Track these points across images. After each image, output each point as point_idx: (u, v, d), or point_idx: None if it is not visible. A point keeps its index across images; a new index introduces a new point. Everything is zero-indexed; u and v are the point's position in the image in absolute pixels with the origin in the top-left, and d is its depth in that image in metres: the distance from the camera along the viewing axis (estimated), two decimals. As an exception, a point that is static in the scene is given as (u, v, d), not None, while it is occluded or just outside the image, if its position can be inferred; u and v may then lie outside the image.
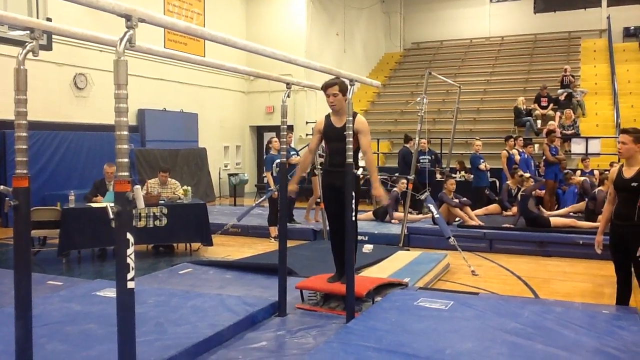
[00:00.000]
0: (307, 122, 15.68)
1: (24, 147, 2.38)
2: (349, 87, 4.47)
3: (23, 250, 2.49)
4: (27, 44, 2.38)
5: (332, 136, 4.73)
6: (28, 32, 2.43)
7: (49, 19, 7.28)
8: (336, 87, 4.59)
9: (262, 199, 9.01)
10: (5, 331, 3.19)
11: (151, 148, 13.02)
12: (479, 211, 9.67)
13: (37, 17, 7.46)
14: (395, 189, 9.65)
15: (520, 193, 8.73)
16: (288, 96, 4.68)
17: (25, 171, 2.40)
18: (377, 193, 4.74)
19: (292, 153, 9.25)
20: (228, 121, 16.47)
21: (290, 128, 13.84)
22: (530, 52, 19.88)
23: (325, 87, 4.64)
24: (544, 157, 11.17)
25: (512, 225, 8.43)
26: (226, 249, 8.18)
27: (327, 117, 4.83)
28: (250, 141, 17.56)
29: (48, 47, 7.67)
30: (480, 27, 21.63)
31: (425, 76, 8.51)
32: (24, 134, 2.37)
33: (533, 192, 8.81)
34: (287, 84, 4.63)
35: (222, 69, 3.72)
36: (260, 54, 3.56)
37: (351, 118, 4.29)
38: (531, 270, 6.85)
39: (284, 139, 4.78)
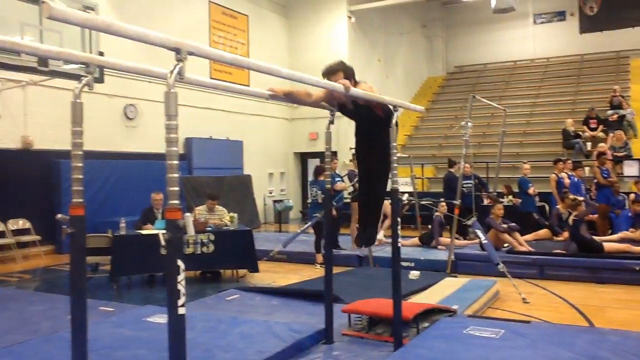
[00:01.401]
0: (350, 148, 15.70)
1: (80, 176, 2.47)
2: (353, 70, 4.11)
3: (79, 276, 2.57)
4: (82, 78, 2.48)
5: (353, 117, 4.41)
6: (82, 66, 2.53)
7: (101, 53, 7.59)
8: (340, 74, 3.99)
9: (307, 225, 9.04)
10: (61, 356, 3.27)
11: (198, 175, 13.27)
12: (528, 236, 9.44)
13: (90, 52, 7.79)
14: (437, 213, 9.55)
15: (572, 217, 8.48)
16: (332, 123, 4.71)
17: (81, 200, 2.48)
18: (342, 81, 3.84)
19: (336, 179, 9.26)
20: (272, 148, 16.67)
21: (334, 154, 13.89)
22: (577, 73, 19.51)
23: (327, 74, 4.02)
24: (595, 180, 10.86)
25: (563, 251, 8.19)
26: (272, 275, 8.21)
27: None
28: (294, 168, 17.71)
29: (100, 80, 7.98)
30: (525, 49, 21.39)
31: (469, 100, 8.45)
32: (80, 164, 2.47)
33: (585, 217, 8.56)
34: (331, 111, 4.67)
35: (266, 98, 3.78)
36: (305, 82, 3.61)
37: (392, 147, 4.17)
38: (584, 298, 6.62)
39: (329, 166, 4.81)
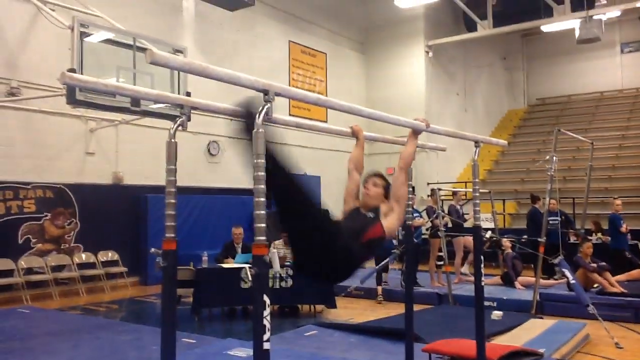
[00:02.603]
0: (428, 184, 15.53)
1: (173, 212, 2.58)
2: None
3: (170, 309, 2.66)
4: (177, 118, 2.61)
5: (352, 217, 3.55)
6: (169, 105, 2.66)
7: (188, 93, 7.96)
8: (381, 180, 3.61)
9: (386, 261, 8.95)
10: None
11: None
12: (620, 277, 8.89)
13: (179, 92, 8.19)
14: (503, 248, 9.28)
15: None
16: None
17: (173, 235, 2.59)
18: (420, 118, 3.77)
19: (415, 215, 9.17)
20: (349, 183, 16.71)
21: (412, 189, 13.76)
22: (670, 104, 18.53)
23: (368, 176, 3.71)
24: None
25: (660, 293, 7.67)
26: (349, 311, 8.16)
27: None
28: (371, 202, 17.63)
29: (188, 119, 8.34)
30: (612, 79, 20.53)
31: (554, 133, 8.19)
32: (173, 201, 2.58)
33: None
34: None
35: (345, 135, 3.83)
36: (385, 121, 3.64)
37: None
38: (686, 344, 6.15)
39: (409, 202, 4.78)
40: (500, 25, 15.75)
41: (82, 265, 9.90)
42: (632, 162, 15.51)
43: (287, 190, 2.94)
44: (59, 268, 9.64)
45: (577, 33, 14.57)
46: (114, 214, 10.48)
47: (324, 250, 2.93)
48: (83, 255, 10.01)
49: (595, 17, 14.22)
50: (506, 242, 9.34)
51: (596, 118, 19.19)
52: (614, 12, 15.73)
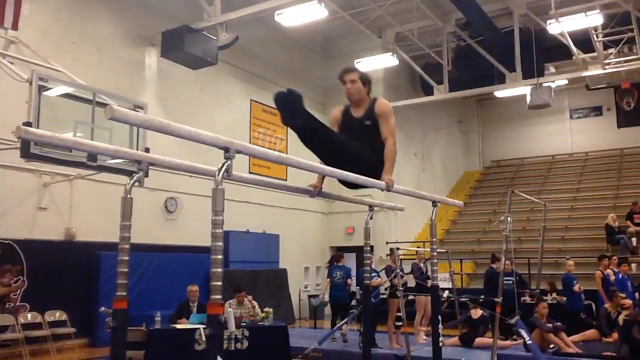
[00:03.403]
0: (387, 243, 15.59)
1: (125, 270, 2.51)
2: (371, 81, 4.06)
3: (118, 372, 2.55)
4: (134, 174, 2.58)
5: (351, 130, 4.00)
6: (128, 161, 2.63)
7: (147, 149, 7.90)
8: (356, 74, 4.00)
9: (344, 321, 8.83)
10: None
11: (234, 269, 13.26)
12: (575, 337, 8.99)
13: (137, 148, 8.12)
14: (471, 313, 9.29)
15: (623, 318, 8.09)
16: (371, 218, 4.72)
17: (124, 293, 2.51)
18: (387, 178, 3.90)
19: (373, 275, 9.15)
20: (308, 242, 16.66)
21: (371, 249, 13.78)
22: (617, 167, 19.32)
23: (343, 73, 4.01)
24: (643, 278, 10.44)
25: (614, 354, 7.75)
26: (307, 373, 7.95)
27: (346, 106, 4.13)
28: (330, 262, 17.55)
29: (146, 175, 8.25)
30: (562, 143, 21.41)
31: (508, 194, 8.39)
32: (126, 258, 2.51)
33: (637, 318, 8.15)
34: (370, 206, 4.69)
35: (311, 197, 3.84)
36: (344, 179, 3.67)
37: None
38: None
39: (367, 261, 4.77)
40: (456, 90, 16.32)
41: (27, 326, 9.42)
42: (584, 224, 15.96)
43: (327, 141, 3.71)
44: (1, 329, 9.15)
45: (528, 99, 15.20)
46: (64, 272, 10.10)
47: (360, 164, 3.75)
48: (29, 315, 9.54)
49: (544, 85, 14.89)
50: (473, 307, 9.33)
51: (548, 180, 19.83)
52: (562, 81, 16.54)
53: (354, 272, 16.08)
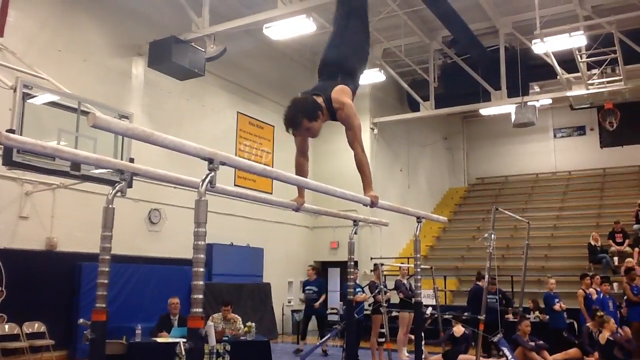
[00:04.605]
0: (371, 258, 15.57)
1: (106, 281, 2.47)
2: (314, 106, 3.58)
3: (95, 386, 2.50)
4: (116, 184, 2.54)
5: None
6: (112, 171, 2.60)
7: (131, 160, 7.84)
8: (303, 123, 3.52)
9: (327, 337, 8.77)
10: None
11: (217, 282, 13.14)
12: (557, 356, 9.03)
13: (122, 158, 8.06)
14: (453, 330, 9.28)
15: (605, 337, 8.12)
16: (355, 233, 4.71)
17: (104, 305, 2.46)
18: (370, 194, 3.72)
19: (357, 290, 9.12)
20: (292, 256, 16.57)
21: (355, 264, 13.80)
22: (600, 187, 19.53)
23: (293, 131, 3.59)
24: (625, 297, 10.51)
25: (596, 372, 7.78)
26: (289, 389, 7.88)
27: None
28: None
29: (130, 185, 8.18)
30: (546, 162, 21.62)
31: (492, 212, 8.43)
32: (107, 269, 2.47)
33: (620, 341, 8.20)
34: (355, 221, 4.69)
35: (294, 210, 3.81)
36: (331, 194, 3.66)
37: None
38: None
39: (351, 276, 4.75)
40: (442, 107, 16.44)
41: (4, 337, 9.23)
42: (567, 242, 16.08)
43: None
44: (-22, 340, 8.97)
45: (513, 117, 15.36)
46: (44, 282, 9.93)
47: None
48: (6, 326, 9.34)
49: (529, 104, 15.07)
50: (456, 324, 9.30)
51: (532, 198, 19.98)
52: (547, 100, 16.73)
53: (336, 287, 16.07)
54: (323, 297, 12.16)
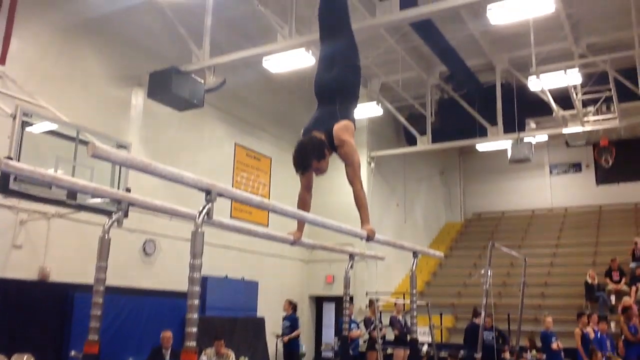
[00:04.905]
0: (366, 293, 15.44)
1: (99, 313, 2.43)
2: (319, 144, 3.69)
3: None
4: (113, 214, 2.52)
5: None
6: (108, 200, 2.59)
7: (128, 190, 7.81)
8: (314, 161, 3.66)
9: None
10: None
11: (211, 315, 12.96)
12: (554, 395, 8.89)
13: (119, 187, 8.04)
14: None
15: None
16: (351, 267, 4.68)
17: (96, 337, 2.42)
18: (367, 228, 3.78)
19: (352, 326, 9.02)
20: (287, 290, 16.36)
21: (351, 299, 13.68)
22: (596, 224, 19.50)
23: (304, 169, 3.71)
24: (622, 337, 10.41)
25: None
26: None
27: None
28: (308, 311, 17.23)
29: (125, 215, 8.14)
30: (542, 198, 21.63)
31: (488, 247, 8.40)
32: (100, 301, 2.43)
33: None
34: (351, 255, 4.66)
35: (290, 243, 3.79)
36: (327, 227, 3.64)
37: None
38: None
39: (347, 311, 4.69)
40: (439, 141, 16.53)
41: (-8, 369, 9.06)
42: (564, 280, 15.98)
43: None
44: (-36, 372, 8.78)
45: (509, 153, 15.44)
46: (36, 313, 9.78)
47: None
48: (-5, 358, 9.19)
49: (525, 140, 15.17)
50: None
51: (529, 235, 19.93)
52: (542, 136, 16.85)
53: (331, 322, 15.89)
54: (296, 332, 12.12)
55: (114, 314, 10.81)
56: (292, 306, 12.07)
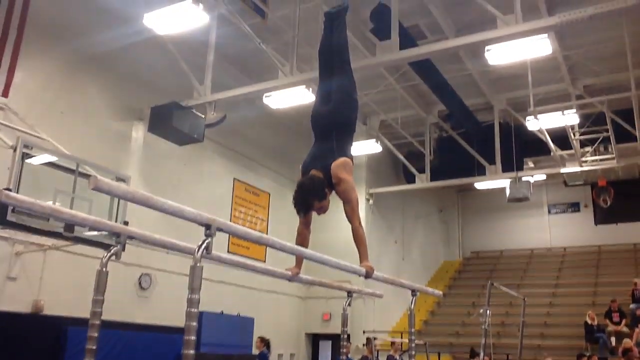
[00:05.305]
0: (364, 332, 15.25)
1: (94, 347, 2.40)
2: (319, 185, 3.73)
3: None
4: (111, 247, 2.51)
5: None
6: (106, 234, 2.58)
7: (126, 223, 7.78)
8: (315, 202, 3.72)
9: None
10: None
11: (205, 352, 12.76)
12: None
13: (117, 220, 8.01)
14: None
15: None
16: (349, 304, 4.63)
17: (90, 374, 2.38)
18: (366, 265, 3.81)
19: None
20: (283, 327, 16.18)
21: (348, 337, 13.50)
22: (595, 264, 19.41)
23: (305, 209, 3.76)
24: (623, 379, 10.25)
25: None
26: None
27: None
28: (304, 349, 16.98)
29: (122, 249, 8.09)
30: (541, 238, 21.58)
31: (487, 287, 8.34)
32: (96, 335, 2.40)
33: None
34: (348, 292, 4.62)
35: (287, 279, 3.77)
36: (326, 263, 3.62)
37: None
38: None
39: (344, 349, 4.63)
40: (437, 179, 16.58)
41: (-19, 404, 8.87)
42: (563, 320, 15.82)
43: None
44: (-47, 406, 8.59)
45: (507, 192, 15.47)
46: (29, 346, 9.59)
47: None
48: (-16, 392, 9.00)
49: (524, 179, 15.22)
50: None
51: (528, 274, 19.81)
52: (541, 176, 16.91)
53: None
54: None
55: (107, 349, 10.61)
56: (265, 343, 11.87)
